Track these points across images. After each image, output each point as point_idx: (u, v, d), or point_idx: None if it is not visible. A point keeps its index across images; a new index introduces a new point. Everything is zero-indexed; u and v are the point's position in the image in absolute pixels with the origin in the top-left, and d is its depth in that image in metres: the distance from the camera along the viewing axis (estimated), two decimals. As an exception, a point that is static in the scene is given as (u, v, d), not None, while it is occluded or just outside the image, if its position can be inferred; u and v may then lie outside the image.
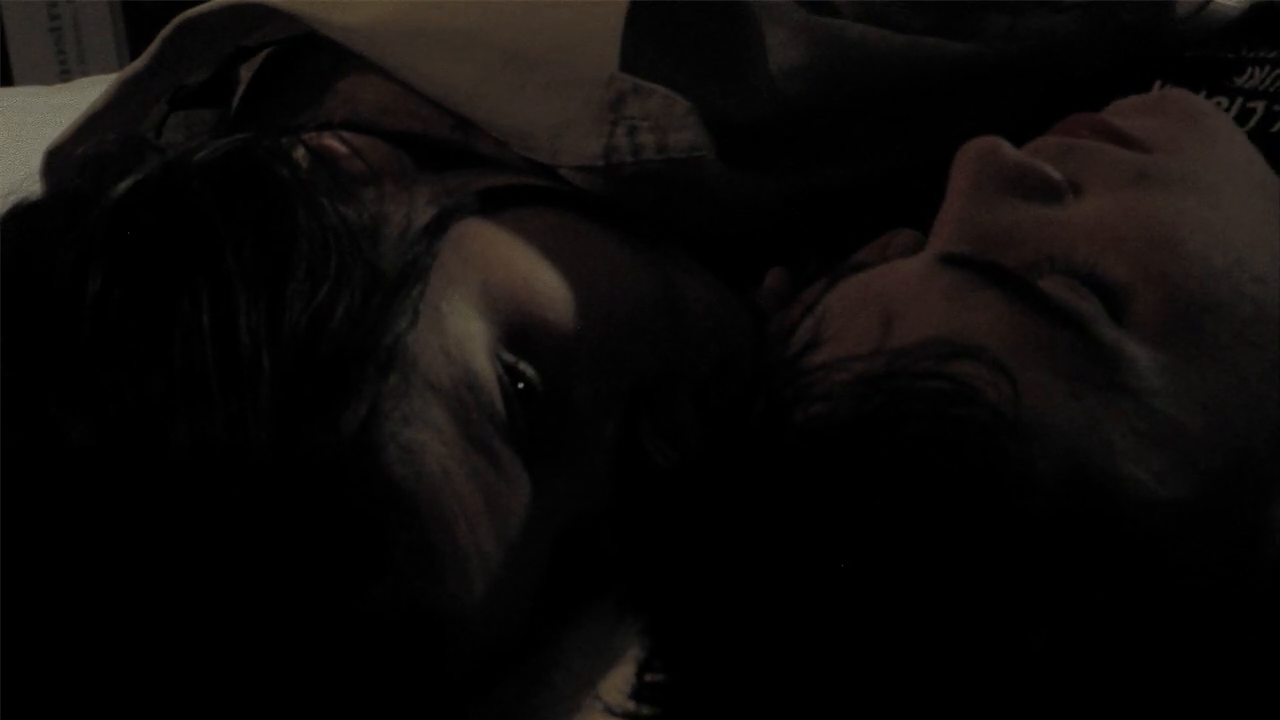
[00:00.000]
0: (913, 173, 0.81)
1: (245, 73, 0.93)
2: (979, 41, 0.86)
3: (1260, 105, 0.83)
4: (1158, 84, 0.87)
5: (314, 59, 0.90)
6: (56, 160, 0.90)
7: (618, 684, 0.72)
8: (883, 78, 0.84)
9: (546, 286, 0.75)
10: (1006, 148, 0.70)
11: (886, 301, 0.65)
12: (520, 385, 0.73)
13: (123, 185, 0.69)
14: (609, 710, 0.65)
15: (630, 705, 0.64)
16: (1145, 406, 0.62)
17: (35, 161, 0.90)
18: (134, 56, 0.92)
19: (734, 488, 0.60)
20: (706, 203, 0.85)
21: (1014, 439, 0.59)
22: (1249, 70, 0.86)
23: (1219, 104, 0.84)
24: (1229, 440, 0.62)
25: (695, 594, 0.61)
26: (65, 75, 2.58)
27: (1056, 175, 0.69)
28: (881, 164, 0.87)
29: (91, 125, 0.90)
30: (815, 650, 0.58)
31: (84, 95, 0.98)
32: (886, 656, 0.58)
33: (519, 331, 0.73)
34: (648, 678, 0.64)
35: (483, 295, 0.73)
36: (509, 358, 0.73)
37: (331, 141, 0.78)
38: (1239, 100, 0.84)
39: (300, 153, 0.76)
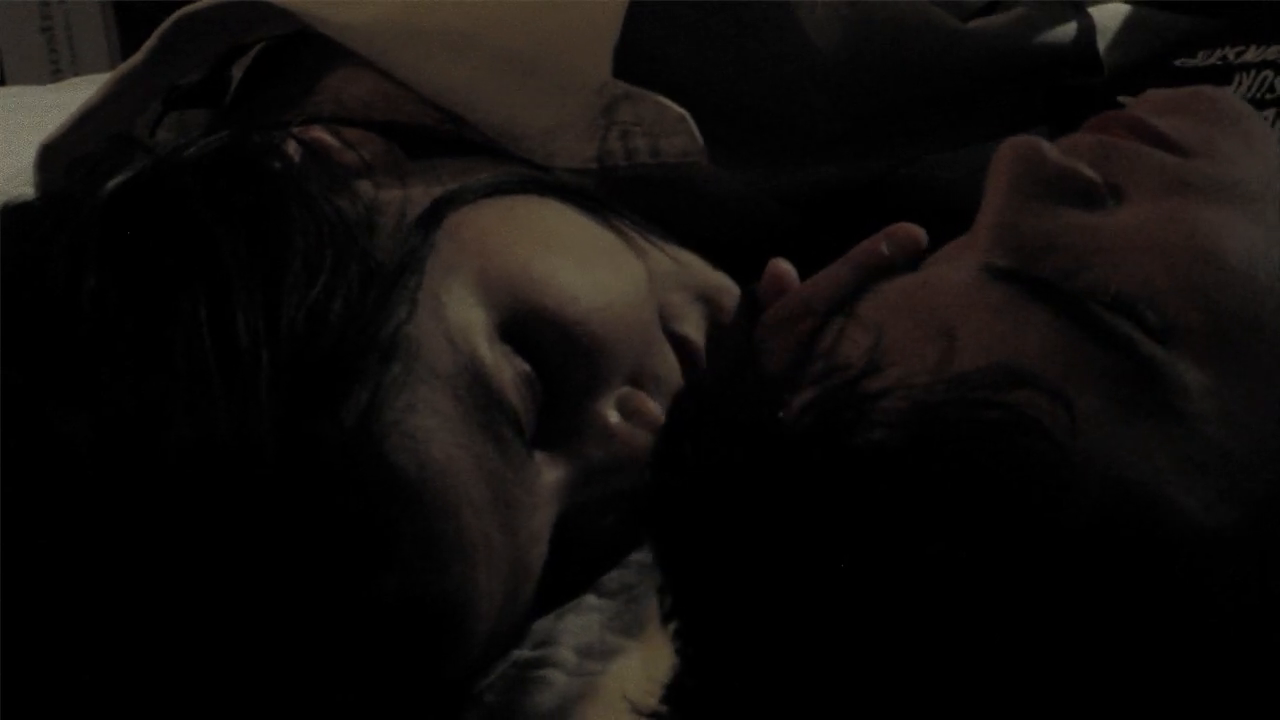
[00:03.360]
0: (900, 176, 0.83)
1: (237, 72, 0.93)
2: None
3: (1251, 114, 0.84)
4: (1148, 92, 0.88)
5: (304, 57, 0.90)
6: (50, 157, 0.90)
7: (618, 681, 0.73)
8: (912, 49, 0.86)
9: (544, 273, 0.75)
10: (1047, 149, 0.69)
11: (938, 318, 0.64)
12: (521, 372, 0.73)
13: (113, 183, 0.69)
14: (636, 710, 0.64)
15: (658, 708, 0.64)
16: (1194, 432, 0.61)
17: (27, 160, 0.90)
18: (125, 57, 0.92)
19: (786, 508, 0.60)
20: (700, 203, 0.86)
21: (1068, 468, 0.58)
22: (1237, 78, 0.86)
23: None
24: (1272, 466, 0.61)
25: (739, 611, 0.60)
26: (57, 75, 2.58)
27: (1098, 179, 0.69)
28: (879, 163, 0.88)
29: (86, 122, 0.90)
30: (858, 669, 0.58)
31: (77, 95, 0.98)
32: (926, 677, 0.57)
33: (519, 319, 0.73)
34: (685, 684, 0.63)
35: (481, 283, 0.73)
36: (509, 344, 0.73)
37: (322, 134, 0.78)
38: (1229, 109, 0.85)
39: (292, 146, 0.76)
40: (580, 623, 0.76)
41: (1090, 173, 0.69)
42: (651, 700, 0.64)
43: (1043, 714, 0.57)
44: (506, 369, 0.72)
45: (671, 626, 0.64)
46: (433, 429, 0.68)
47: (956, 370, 0.61)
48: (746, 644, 0.60)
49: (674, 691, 0.64)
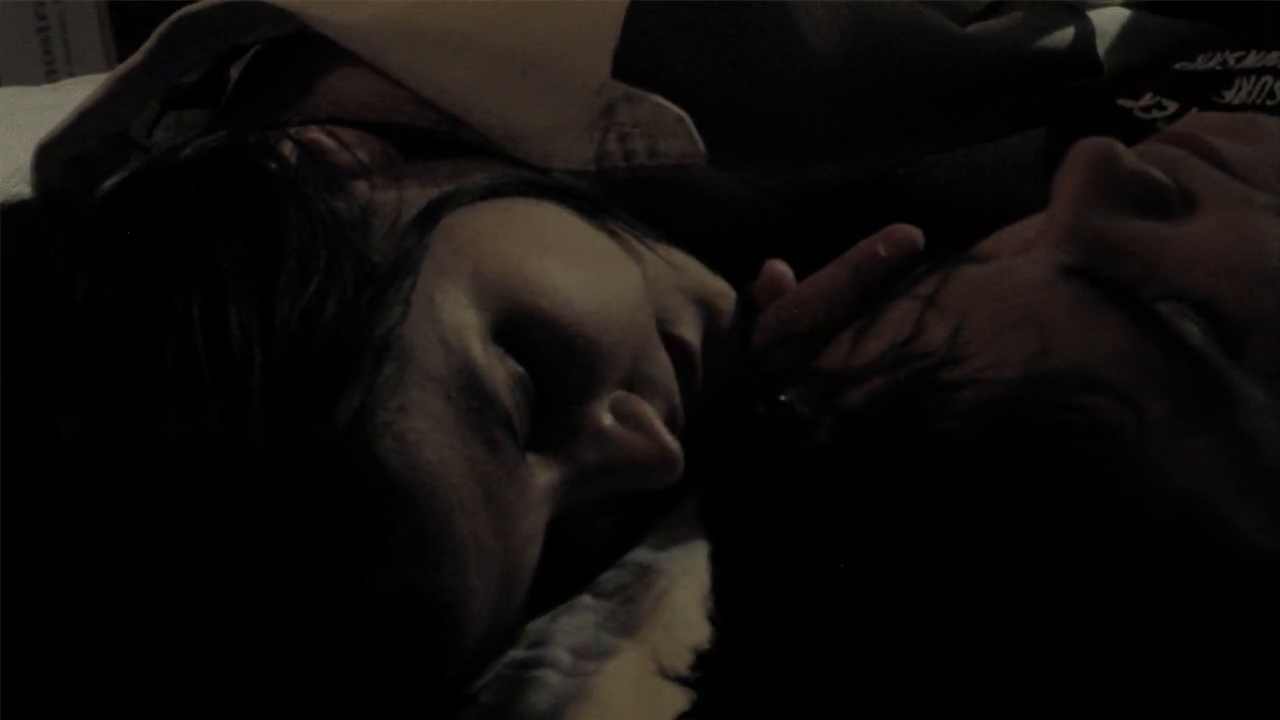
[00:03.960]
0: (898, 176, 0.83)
1: (235, 72, 0.93)
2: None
3: (1250, 119, 0.84)
4: (1148, 94, 0.88)
5: (301, 58, 0.90)
6: (48, 156, 0.90)
7: (613, 681, 0.73)
8: (910, 50, 0.86)
9: (538, 275, 0.75)
10: (1124, 153, 0.69)
11: (1015, 313, 0.64)
12: (515, 374, 0.73)
13: (109, 183, 0.69)
14: (663, 673, 0.64)
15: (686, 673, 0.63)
16: (1253, 452, 0.60)
17: (24, 160, 0.90)
18: (121, 57, 0.92)
19: (853, 490, 0.60)
20: (698, 204, 0.86)
21: (1135, 476, 0.58)
22: (1236, 83, 0.86)
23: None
24: None
25: (792, 591, 0.60)
26: (52, 76, 2.58)
27: (1172, 186, 0.69)
28: (876, 163, 0.88)
29: (84, 121, 0.90)
30: (920, 663, 0.58)
31: (73, 95, 0.98)
32: (973, 667, 0.57)
33: (513, 321, 0.73)
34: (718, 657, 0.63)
35: (475, 285, 0.73)
36: (503, 347, 0.73)
37: (318, 135, 0.78)
38: (1228, 116, 0.85)
39: (288, 147, 0.76)
40: (575, 623, 0.76)
41: (1164, 179, 0.69)
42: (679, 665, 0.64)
43: (1077, 713, 0.57)
44: (500, 371, 0.72)
45: (697, 601, 0.64)
46: (425, 431, 0.68)
47: (1033, 369, 0.61)
48: (797, 624, 0.60)
49: (705, 660, 0.63)
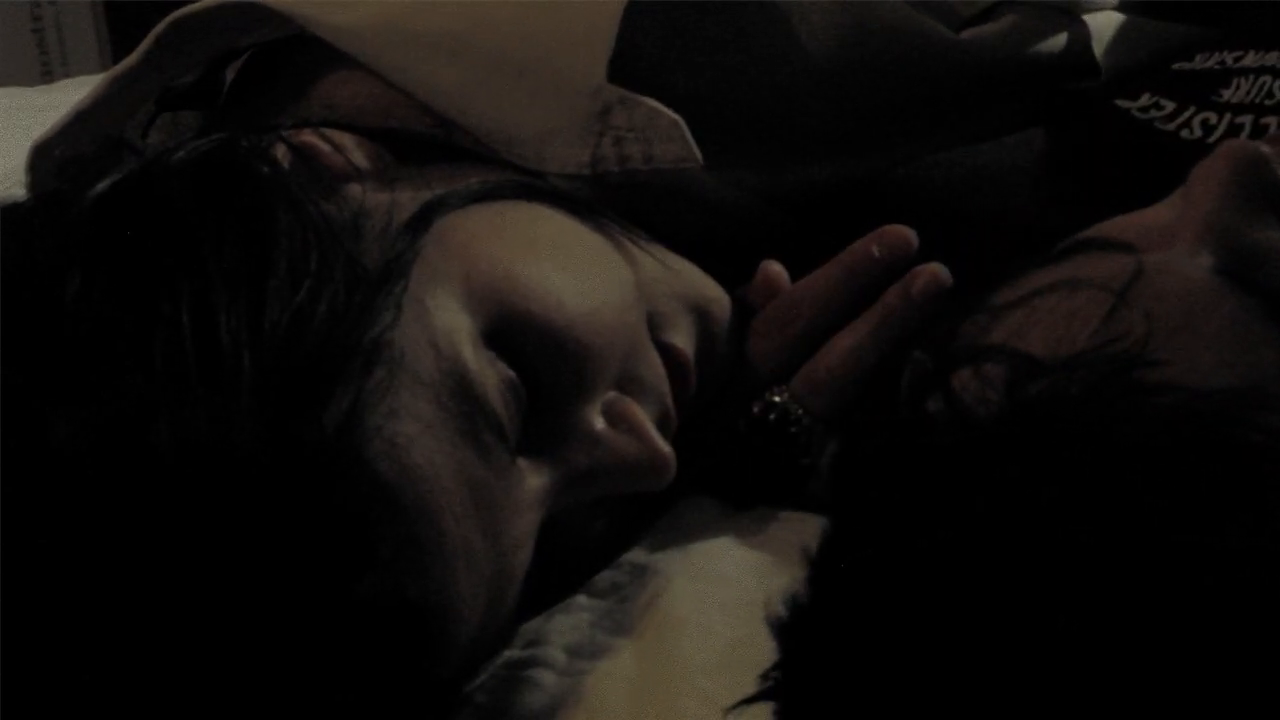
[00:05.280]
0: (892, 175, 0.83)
1: (231, 74, 0.93)
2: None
3: (1248, 119, 0.84)
4: (1146, 94, 0.88)
5: (296, 60, 0.90)
6: (43, 157, 0.89)
7: (608, 681, 0.73)
8: (905, 52, 0.86)
9: (529, 279, 0.75)
10: (1274, 160, 0.69)
11: (1181, 315, 0.64)
12: (506, 378, 0.73)
13: (101, 185, 0.69)
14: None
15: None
16: None
17: (19, 161, 0.90)
18: (116, 58, 0.92)
19: (1029, 484, 0.58)
20: (693, 208, 0.86)
21: None
22: (1234, 82, 0.86)
23: (1207, 120, 0.84)
24: None
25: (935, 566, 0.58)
26: (48, 76, 2.58)
27: None
28: (872, 164, 0.88)
29: (79, 122, 0.90)
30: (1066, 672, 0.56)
31: (68, 96, 0.98)
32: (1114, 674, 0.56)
33: (503, 324, 0.73)
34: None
35: (466, 288, 0.73)
36: (494, 350, 0.73)
37: (312, 138, 0.78)
38: (1226, 116, 0.85)
39: (281, 150, 0.75)
40: (570, 622, 0.76)
41: None
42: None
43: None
44: (490, 375, 0.72)
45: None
46: (415, 434, 0.68)
47: (1220, 381, 0.61)
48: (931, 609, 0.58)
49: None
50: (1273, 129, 0.83)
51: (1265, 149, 0.69)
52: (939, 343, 0.69)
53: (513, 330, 0.74)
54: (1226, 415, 0.59)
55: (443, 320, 0.72)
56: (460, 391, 0.70)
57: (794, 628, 0.62)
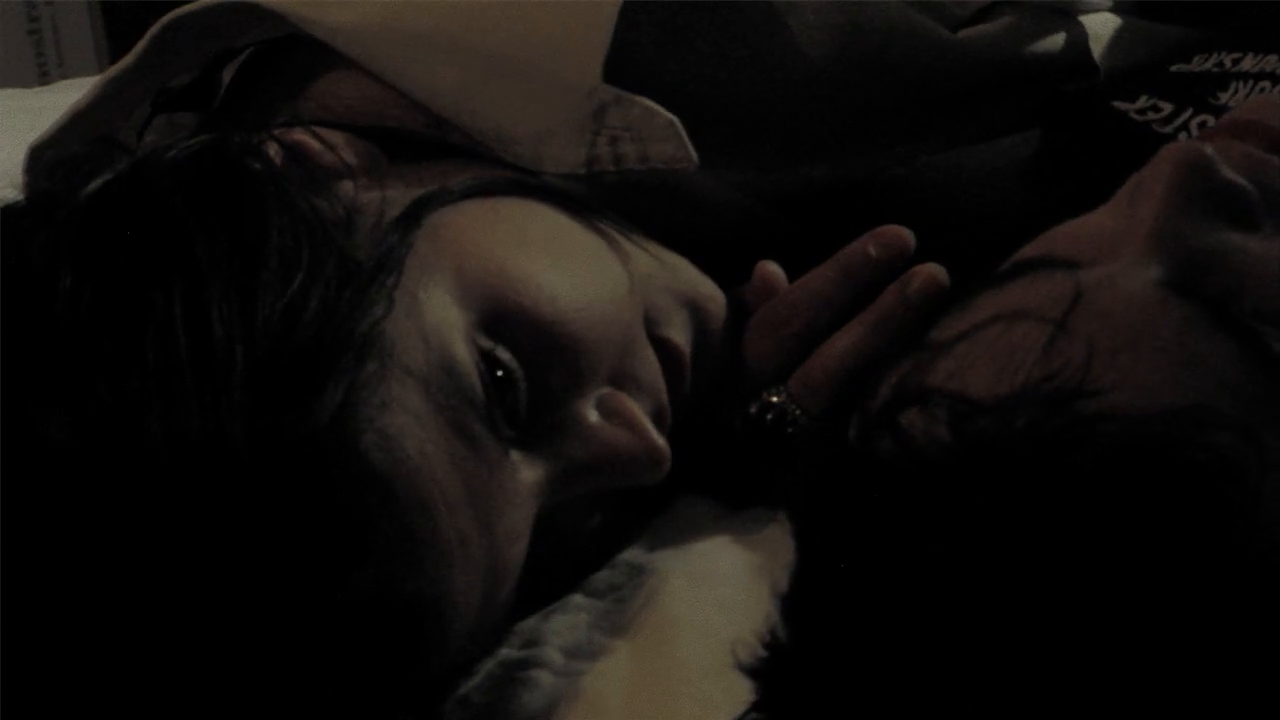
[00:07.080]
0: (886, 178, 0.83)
1: (227, 75, 0.93)
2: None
3: (1246, 122, 0.84)
4: (1143, 96, 0.88)
5: (292, 60, 0.90)
6: (39, 158, 0.90)
7: (605, 681, 0.73)
8: (900, 54, 0.86)
9: (522, 272, 0.75)
10: (1218, 162, 0.68)
11: (1125, 333, 0.63)
12: (498, 371, 0.73)
13: (93, 184, 0.70)
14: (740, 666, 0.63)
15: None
16: None
17: (17, 162, 0.90)
18: (113, 59, 0.92)
19: (983, 519, 0.58)
20: (688, 208, 0.86)
21: (1255, 510, 0.57)
22: (1233, 85, 0.86)
23: (1205, 123, 0.84)
24: None
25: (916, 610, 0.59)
26: (44, 78, 2.58)
27: (1259, 200, 0.67)
28: (869, 164, 0.88)
29: (76, 123, 0.90)
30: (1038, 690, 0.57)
31: (65, 97, 0.98)
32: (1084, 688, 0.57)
33: (495, 317, 0.74)
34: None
35: (458, 282, 0.73)
36: (486, 343, 0.73)
37: (303, 136, 0.78)
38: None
39: (272, 148, 0.76)
40: (567, 622, 0.76)
41: (1255, 193, 0.67)
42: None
43: None
44: (482, 368, 0.72)
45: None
46: (406, 427, 0.68)
47: (1162, 403, 0.60)
48: (892, 632, 0.59)
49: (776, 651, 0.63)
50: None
51: (1208, 150, 0.68)
52: (883, 383, 0.68)
53: (505, 324, 0.74)
54: (1170, 438, 0.58)
55: (435, 314, 0.72)
56: (451, 384, 0.70)
57: (770, 670, 0.63)
